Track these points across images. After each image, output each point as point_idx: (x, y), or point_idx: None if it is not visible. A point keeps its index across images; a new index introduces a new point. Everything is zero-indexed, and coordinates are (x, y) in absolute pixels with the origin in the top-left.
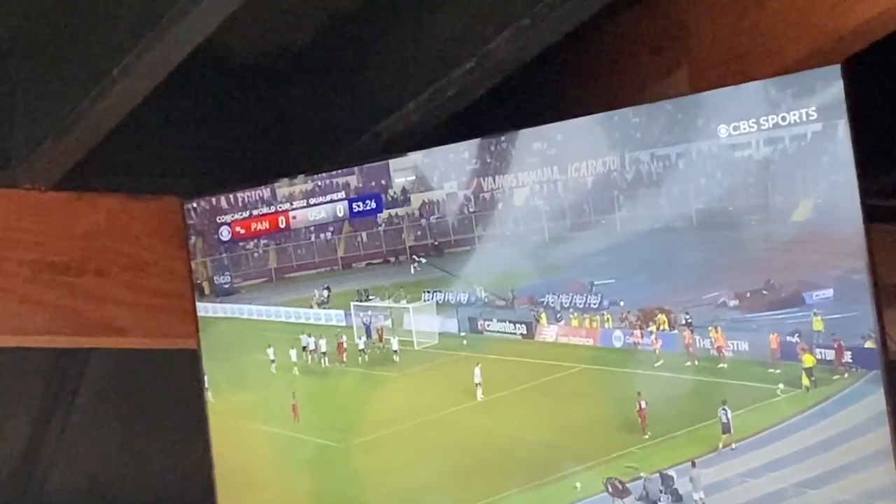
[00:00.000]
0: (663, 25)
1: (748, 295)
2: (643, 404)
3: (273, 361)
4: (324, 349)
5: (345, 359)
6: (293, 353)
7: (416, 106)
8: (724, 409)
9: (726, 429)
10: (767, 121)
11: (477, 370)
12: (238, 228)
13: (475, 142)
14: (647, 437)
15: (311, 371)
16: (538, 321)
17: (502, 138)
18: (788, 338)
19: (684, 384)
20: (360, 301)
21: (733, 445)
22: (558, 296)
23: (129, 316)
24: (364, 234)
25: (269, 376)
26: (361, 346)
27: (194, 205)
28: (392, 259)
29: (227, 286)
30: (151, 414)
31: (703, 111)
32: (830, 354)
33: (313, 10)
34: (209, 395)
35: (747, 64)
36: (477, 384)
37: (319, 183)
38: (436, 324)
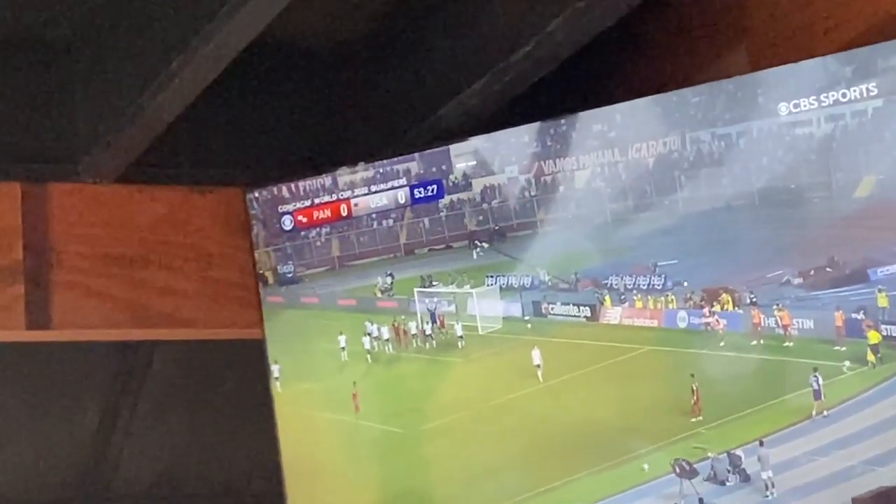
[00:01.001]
0: (721, 3)
1: (812, 273)
2: (696, 386)
3: (343, 349)
4: (387, 336)
5: (411, 345)
6: (366, 340)
7: (475, 91)
8: (815, 377)
9: (818, 395)
10: (828, 97)
11: (535, 353)
12: (300, 217)
13: (535, 125)
14: (699, 419)
15: (377, 358)
16: (602, 303)
17: (562, 121)
18: (853, 315)
19: (750, 363)
20: (424, 287)
21: (826, 413)
22: (622, 277)
23: (194, 307)
24: (426, 220)
25: (340, 365)
26: (429, 332)
27: (256, 195)
28: (454, 244)
29: (290, 275)
30: (217, 404)
31: (764, 89)
32: None
33: None
34: (277, 385)
35: (807, 41)
36: (536, 366)
37: (380, 170)
38: (500, 308)
